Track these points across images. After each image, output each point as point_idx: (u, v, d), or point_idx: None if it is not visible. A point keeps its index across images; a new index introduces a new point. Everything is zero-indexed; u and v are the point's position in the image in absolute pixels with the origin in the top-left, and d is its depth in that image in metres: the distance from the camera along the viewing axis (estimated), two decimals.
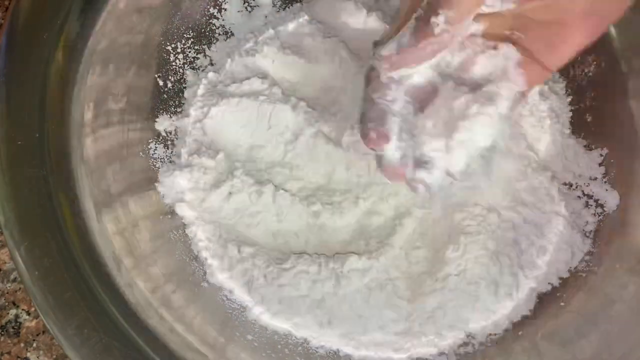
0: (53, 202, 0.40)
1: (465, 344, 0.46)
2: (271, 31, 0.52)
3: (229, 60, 0.52)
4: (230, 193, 0.48)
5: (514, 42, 0.40)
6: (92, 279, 0.40)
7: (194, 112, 0.51)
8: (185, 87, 0.53)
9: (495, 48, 0.40)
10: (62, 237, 0.40)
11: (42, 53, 0.43)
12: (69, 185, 0.42)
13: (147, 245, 0.45)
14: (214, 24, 0.55)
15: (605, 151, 0.49)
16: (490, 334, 0.46)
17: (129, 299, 0.41)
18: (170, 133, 0.51)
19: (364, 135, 0.42)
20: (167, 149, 0.51)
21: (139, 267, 0.44)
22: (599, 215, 0.48)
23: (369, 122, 0.41)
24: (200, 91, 0.52)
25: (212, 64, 0.54)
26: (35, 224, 0.40)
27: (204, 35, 0.54)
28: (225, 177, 0.48)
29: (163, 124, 0.51)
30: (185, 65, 0.53)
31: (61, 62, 0.43)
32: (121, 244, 0.43)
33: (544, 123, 0.50)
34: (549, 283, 0.47)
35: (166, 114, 0.51)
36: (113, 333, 0.39)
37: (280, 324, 0.46)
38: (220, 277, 0.47)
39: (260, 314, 0.46)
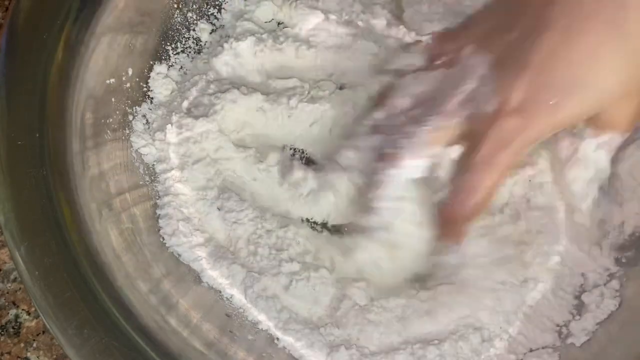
0: (53, 202, 0.40)
1: None
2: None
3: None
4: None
5: None
6: (92, 279, 0.40)
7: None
8: None
9: None
10: (63, 237, 0.40)
11: (42, 53, 0.43)
12: (69, 185, 0.42)
13: (147, 245, 0.45)
14: (215, 24, 0.55)
15: None
16: None
17: (129, 299, 0.41)
18: None
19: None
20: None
21: (139, 267, 0.44)
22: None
23: None
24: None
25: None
26: (36, 223, 0.40)
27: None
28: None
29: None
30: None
31: (61, 61, 0.43)
32: (121, 244, 0.44)
33: None
34: None
35: None
36: (113, 333, 0.39)
37: (285, 337, 0.45)
38: (220, 281, 0.46)
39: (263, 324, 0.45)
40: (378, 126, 0.45)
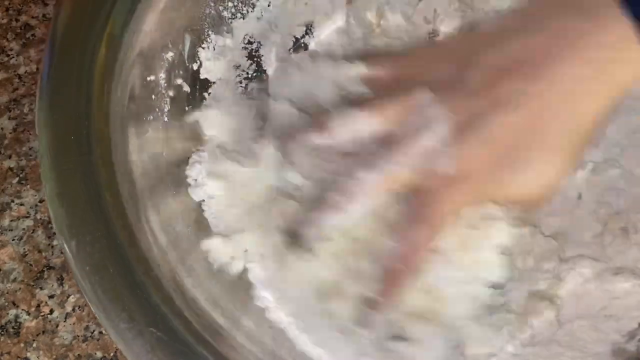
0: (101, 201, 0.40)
1: None
2: None
3: None
4: None
5: None
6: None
7: None
8: None
9: None
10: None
11: (87, 50, 0.42)
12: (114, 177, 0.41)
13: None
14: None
15: None
16: None
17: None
18: None
19: None
20: None
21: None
22: None
23: None
24: None
25: None
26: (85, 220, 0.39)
27: None
28: None
29: None
30: None
31: (105, 57, 0.43)
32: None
33: None
34: None
35: None
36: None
37: None
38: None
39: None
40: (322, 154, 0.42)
